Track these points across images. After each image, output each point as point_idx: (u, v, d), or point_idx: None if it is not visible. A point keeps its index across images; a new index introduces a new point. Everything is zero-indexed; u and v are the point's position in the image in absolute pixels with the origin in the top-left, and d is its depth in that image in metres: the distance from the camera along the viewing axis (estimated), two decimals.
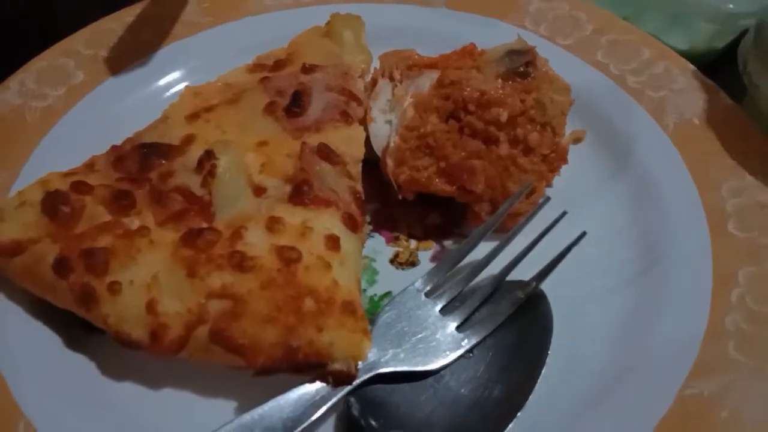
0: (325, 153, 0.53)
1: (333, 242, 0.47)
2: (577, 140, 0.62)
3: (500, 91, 0.54)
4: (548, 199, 0.52)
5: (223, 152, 0.51)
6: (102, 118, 0.62)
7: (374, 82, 0.62)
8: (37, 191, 0.49)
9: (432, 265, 0.55)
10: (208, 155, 0.51)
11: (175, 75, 0.66)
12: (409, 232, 0.57)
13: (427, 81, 0.58)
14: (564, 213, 0.51)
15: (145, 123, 0.59)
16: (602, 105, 0.64)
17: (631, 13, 0.75)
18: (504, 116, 0.53)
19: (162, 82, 0.66)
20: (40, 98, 0.62)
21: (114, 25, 0.68)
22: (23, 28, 0.77)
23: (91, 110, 0.62)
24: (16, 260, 0.47)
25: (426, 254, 0.56)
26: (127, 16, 0.69)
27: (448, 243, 0.56)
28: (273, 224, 0.47)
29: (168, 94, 0.64)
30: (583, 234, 0.50)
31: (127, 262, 0.46)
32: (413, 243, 0.56)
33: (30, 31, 0.77)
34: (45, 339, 0.48)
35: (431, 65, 0.60)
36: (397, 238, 0.56)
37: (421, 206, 0.56)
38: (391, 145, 0.55)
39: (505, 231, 0.53)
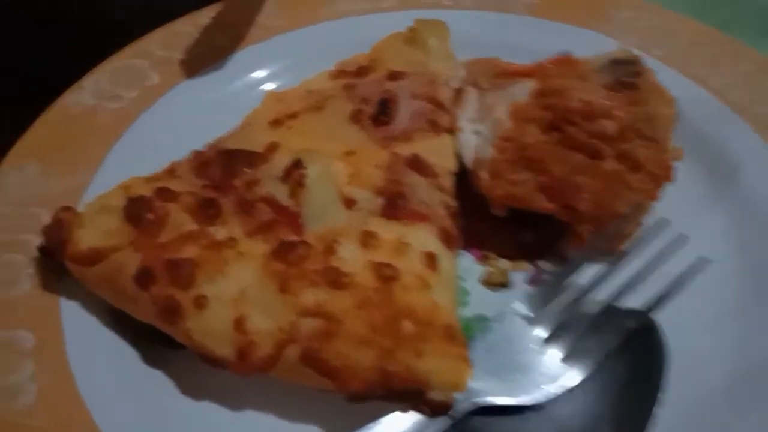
0: (417, 164, 0.50)
1: (430, 260, 0.44)
2: (677, 157, 0.58)
3: (607, 103, 0.50)
4: (666, 221, 0.48)
5: (311, 161, 0.48)
6: (176, 121, 0.60)
7: (459, 91, 0.59)
8: (119, 197, 0.47)
9: (526, 286, 0.51)
10: (297, 164, 0.48)
11: (250, 79, 0.64)
12: (500, 250, 0.53)
13: (522, 90, 0.55)
14: (683, 238, 0.47)
15: (219, 127, 0.57)
16: (702, 120, 0.60)
17: (719, 24, 0.71)
18: (612, 129, 0.50)
19: (237, 85, 0.63)
20: (114, 99, 0.60)
21: (188, 27, 0.66)
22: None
23: (165, 113, 0.60)
24: (95, 269, 0.45)
25: (518, 275, 0.52)
26: (202, 18, 0.67)
27: (542, 264, 0.53)
28: (367, 239, 0.44)
29: (243, 98, 0.62)
30: (703, 261, 0.46)
31: (214, 274, 0.43)
32: (504, 262, 0.52)
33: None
34: (123, 353, 0.46)
35: (525, 74, 0.57)
36: (486, 257, 0.53)
37: (513, 223, 0.53)
38: (484, 156, 0.52)
39: (609, 253, 0.49)
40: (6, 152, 0.55)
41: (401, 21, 0.66)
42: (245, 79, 0.64)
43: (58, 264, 0.47)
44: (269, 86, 0.64)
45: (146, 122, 0.59)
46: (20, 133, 0.57)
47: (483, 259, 0.53)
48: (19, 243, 0.49)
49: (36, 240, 0.49)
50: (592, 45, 0.64)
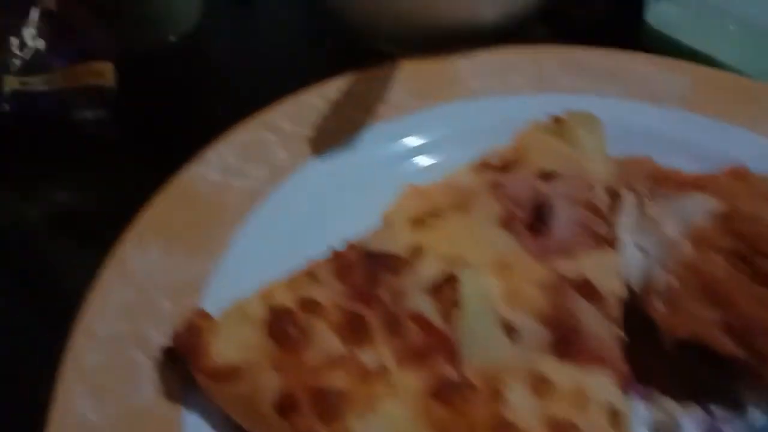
0: (586, 288, 0.44)
1: (614, 417, 0.38)
2: None
3: None
4: None
5: (466, 276, 0.43)
6: (306, 202, 0.56)
7: (614, 195, 0.53)
8: (260, 305, 0.43)
9: None
10: (449, 279, 0.43)
11: (381, 159, 0.60)
12: (667, 388, 0.47)
13: (696, 206, 0.49)
14: None
15: (351, 212, 0.54)
16: None
17: None
18: None
19: (368, 165, 0.59)
20: (240, 176, 0.57)
21: (317, 100, 0.63)
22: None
23: (294, 194, 0.56)
24: (230, 386, 0.40)
25: (687, 419, 0.46)
26: (331, 91, 0.64)
27: (716, 410, 0.46)
28: (539, 384, 0.39)
29: (374, 178, 0.58)
30: None
31: (364, 409, 0.38)
32: (672, 403, 0.46)
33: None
34: None
35: (694, 185, 0.51)
36: (650, 395, 0.46)
37: (685, 358, 0.46)
38: (657, 282, 0.46)
39: None
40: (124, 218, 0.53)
41: (539, 105, 0.62)
42: (377, 159, 0.60)
43: (183, 370, 0.43)
44: (401, 166, 0.60)
45: (275, 203, 0.55)
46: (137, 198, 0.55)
47: (647, 398, 0.46)
48: (141, 338, 0.46)
49: (157, 335, 0.46)
50: (752, 146, 0.59)
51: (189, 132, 0.69)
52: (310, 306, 0.42)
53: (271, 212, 0.54)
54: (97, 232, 0.59)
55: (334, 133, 0.61)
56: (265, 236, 0.53)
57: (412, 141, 0.62)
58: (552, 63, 0.69)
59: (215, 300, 0.47)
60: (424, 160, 0.60)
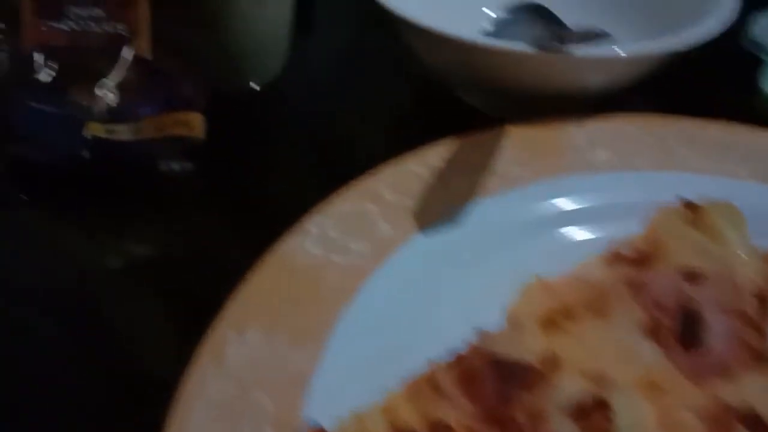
0: (752, 421, 0.38)
1: None
2: None
3: None
4: None
5: (620, 402, 0.38)
6: (414, 283, 0.51)
7: (762, 299, 0.47)
8: (382, 424, 0.38)
9: None
10: (599, 403, 0.38)
11: (493, 238, 0.55)
12: None
13: None
14: None
15: (463, 295, 0.50)
16: None
17: None
18: None
19: (479, 244, 0.54)
20: (342, 252, 0.52)
21: (420, 169, 0.59)
22: None
23: (401, 273, 0.51)
24: None
25: None
26: (434, 159, 0.59)
27: None
28: None
29: (487, 260, 0.53)
30: None
31: None
32: None
33: None
34: None
35: None
36: None
37: None
38: None
39: None
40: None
41: (664, 183, 0.57)
42: (488, 236, 0.55)
43: None
44: (516, 245, 0.54)
45: (380, 284, 0.50)
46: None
47: None
48: None
49: None
50: None
51: (275, 187, 0.66)
52: (439, 429, 0.37)
53: (377, 294, 0.50)
54: (183, 291, 0.56)
55: (439, 206, 0.56)
56: (372, 322, 0.48)
57: (527, 218, 0.56)
58: (671, 136, 0.64)
59: (321, 397, 0.43)
60: (542, 241, 0.55)
